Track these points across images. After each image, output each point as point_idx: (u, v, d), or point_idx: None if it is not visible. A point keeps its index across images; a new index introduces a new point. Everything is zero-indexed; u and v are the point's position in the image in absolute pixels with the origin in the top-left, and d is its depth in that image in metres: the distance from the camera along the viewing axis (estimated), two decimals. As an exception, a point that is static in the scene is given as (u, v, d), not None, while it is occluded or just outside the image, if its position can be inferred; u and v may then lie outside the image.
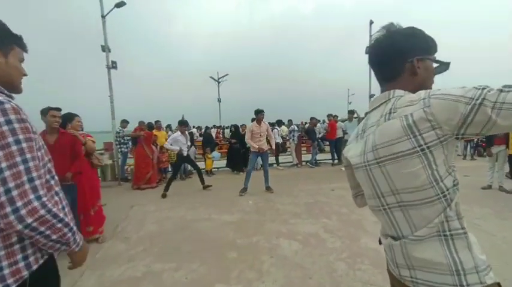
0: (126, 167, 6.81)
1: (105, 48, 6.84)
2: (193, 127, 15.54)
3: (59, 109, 2.57)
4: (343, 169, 6.99)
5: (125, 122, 6.79)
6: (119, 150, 6.48)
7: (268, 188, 5.10)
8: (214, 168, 7.86)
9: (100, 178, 6.37)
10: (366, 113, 0.85)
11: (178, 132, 5.13)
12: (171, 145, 4.94)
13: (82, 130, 3.16)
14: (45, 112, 2.54)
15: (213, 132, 15.71)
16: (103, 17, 6.83)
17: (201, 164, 7.66)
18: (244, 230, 3.30)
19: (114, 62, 6.84)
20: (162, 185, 5.95)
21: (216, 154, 7.02)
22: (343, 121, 8.33)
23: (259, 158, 5.52)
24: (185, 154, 5.01)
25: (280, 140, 7.95)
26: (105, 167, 6.32)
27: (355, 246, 2.79)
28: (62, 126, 2.71)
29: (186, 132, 5.37)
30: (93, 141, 3.08)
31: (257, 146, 4.98)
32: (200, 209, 4.19)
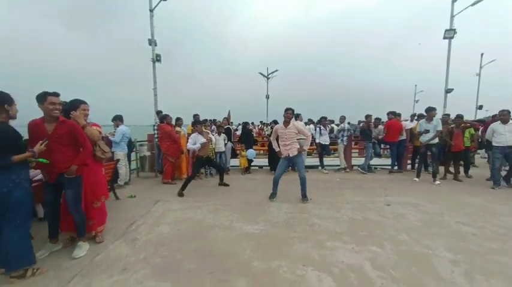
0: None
1: (151, 42, 6.96)
2: (239, 124, 15.49)
3: (57, 94, 2.26)
4: (417, 179, 5.59)
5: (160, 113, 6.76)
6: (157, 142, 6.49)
7: (304, 197, 4.29)
8: (253, 166, 7.36)
9: (139, 169, 6.56)
10: None
11: (196, 133, 4.84)
12: (193, 144, 4.67)
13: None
14: (41, 98, 2.22)
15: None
16: (151, 11, 6.95)
17: (236, 162, 7.27)
18: (265, 248, 2.66)
19: (158, 55, 6.89)
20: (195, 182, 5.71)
21: (251, 152, 6.46)
22: (406, 121, 6.88)
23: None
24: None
25: (326, 141, 6.95)
26: (143, 158, 6.42)
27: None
28: (65, 115, 2.48)
29: (207, 129, 5.14)
30: (100, 132, 2.80)
31: (278, 149, 4.37)
32: (223, 214, 3.69)
